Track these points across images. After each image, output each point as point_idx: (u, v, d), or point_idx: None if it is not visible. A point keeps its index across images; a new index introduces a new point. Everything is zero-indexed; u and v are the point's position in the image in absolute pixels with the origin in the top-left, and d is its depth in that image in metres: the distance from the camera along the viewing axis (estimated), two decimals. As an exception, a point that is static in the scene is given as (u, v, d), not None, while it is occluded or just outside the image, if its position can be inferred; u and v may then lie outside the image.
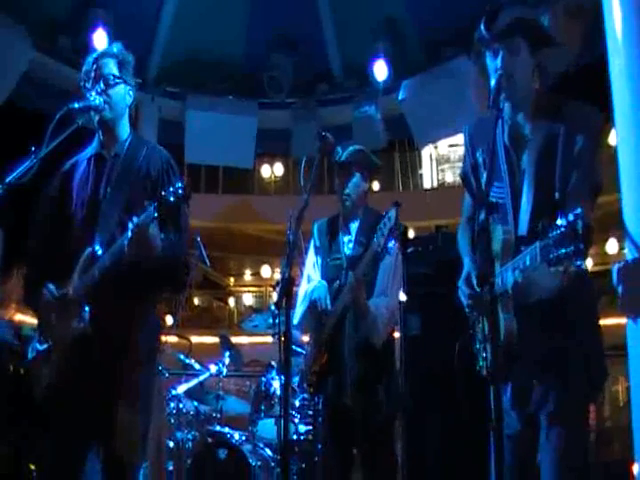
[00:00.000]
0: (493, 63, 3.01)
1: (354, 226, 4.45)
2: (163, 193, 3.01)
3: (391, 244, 4.01)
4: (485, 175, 3.04)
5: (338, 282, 4.30)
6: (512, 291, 2.80)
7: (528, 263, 2.67)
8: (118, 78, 3.47)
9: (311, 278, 4.55)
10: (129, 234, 3.06)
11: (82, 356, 3.21)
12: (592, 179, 2.93)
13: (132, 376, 3.28)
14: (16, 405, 4.92)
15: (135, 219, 3.04)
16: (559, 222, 2.45)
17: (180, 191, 3.00)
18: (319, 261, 4.53)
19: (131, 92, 3.57)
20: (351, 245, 4.40)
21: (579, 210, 2.42)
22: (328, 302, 4.30)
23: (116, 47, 3.58)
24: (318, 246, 4.57)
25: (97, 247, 3.27)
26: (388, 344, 4.33)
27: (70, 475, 3.27)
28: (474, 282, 3.01)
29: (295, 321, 4.46)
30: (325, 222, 4.61)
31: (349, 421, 4.24)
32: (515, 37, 2.98)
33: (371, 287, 4.28)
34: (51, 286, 3.33)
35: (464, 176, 3.32)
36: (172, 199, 2.99)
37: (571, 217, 2.41)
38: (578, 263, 2.45)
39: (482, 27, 3.00)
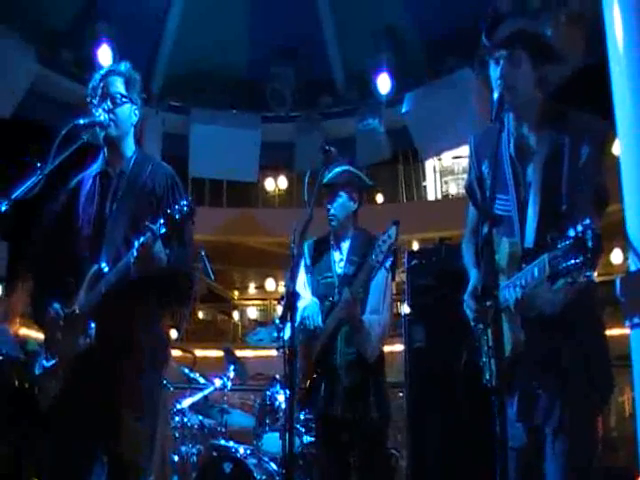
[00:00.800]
0: (495, 73, 3.02)
1: (345, 245, 4.47)
2: (169, 211, 3.03)
3: (388, 262, 4.02)
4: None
5: (330, 299, 4.34)
6: (514, 307, 2.80)
7: (537, 275, 2.67)
8: (125, 97, 3.49)
9: (302, 296, 4.55)
10: (134, 252, 3.08)
11: (87, 363, 3.22)
12: (599, 190, 2.92)
13: (136, 380, 3.29)
14: (16, 405, 4.93)
15: (141, 238, 3.06)
16: (568, 233, 2.45)
17: (185, 209, 3.03)
18: (309, 279, 4.55)
19: (137, 111, 3.60)
20: (342, 264, 4.43)
21: (588, 221, 2.42)
22: (319, 320, 4.33)
23: (124, 66, 3.60)
24: (308, 264, 4.58)
25: (103, 264, 3.29)
26: (379, 357, 4.37)
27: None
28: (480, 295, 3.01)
29: (286, 336, 4.49)
30: (315, 241, 4.62)
31: (341, 432, 4.27)
32: (516, 48, 2.98)
33: (363, 305, 4.30)
34: (57, 305, 3.34)
35: (469, 188, 3.31)
36: (177, 217, 3.02)
37: (580, 228, 2.41)
38: (587, 274, 2.45)
39: (483, 36, 3.01)
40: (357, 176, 4.54)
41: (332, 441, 4.33)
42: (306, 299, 4.48)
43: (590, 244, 2.39)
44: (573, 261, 2.43)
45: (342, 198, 4.43)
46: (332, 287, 4.37)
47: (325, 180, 4.35)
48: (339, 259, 4.46)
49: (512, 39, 2.98)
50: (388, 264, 4.05)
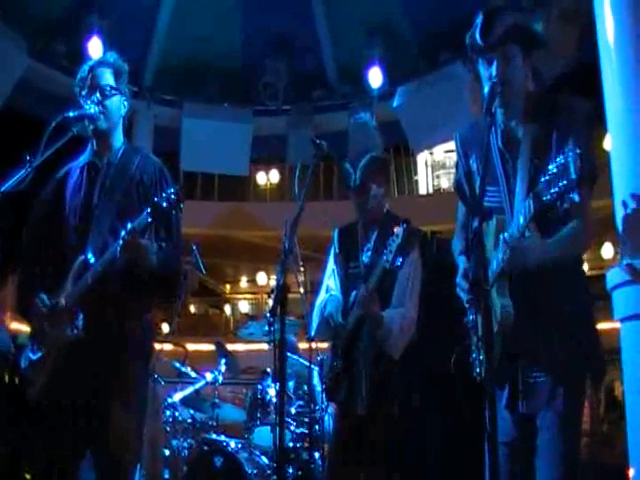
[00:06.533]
0: (487, 71, 3.00)
1: (374, 233, 4.38)
2: (156, 199, 3.03)
3: (398, 262, 3.99)
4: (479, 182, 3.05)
5: (356, 292, 4.24)
6: (506, 265, 2.77)
7: (522, 222, 2.69)
8: (114, 89, 3.48)
9: (329, 288, 4.50)
10: (120, 241, 3.08)
11: (75, 358, 3.21)
12: (588, 166, 2.90)
13: (125, 376, 3.30)
14: (16, 405, 4.92)
15: (128, 225, 3.06)
16: (557, 159, 2.44)
17: (173, 196, 3.03)
18: (338, 269, 4.48)
19: (126, 102, 3.59)
20: (369, 253, 4.33)
21: (578, 150, 2.40)
22: (339, 316, 4.28)
23: (112, 56, 3.60)
24: (337, 253, 4.51)
25: (89, 255, 3.28)
26: (406, 355, 4.26)
27: (64, 476, 3.26)
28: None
29: (312, 332, 4.48)
30: (345, 229, 4.55)
31: (359, 431, 4.20)
32: (509, 43, 2.97)
33: (388, 297, 4.24)
34: (43, 296, 3.33)
35: (457, 185, 3.30)
36: (165, 204, 3.02)
37: (565, 155, 2.40)
38: (571, 196, 2.41)
39: (477, 36, 2.99)
40: (377, 159, 4.46)
41: (348, 438, 4.27)
42: (327, 294, 4.46)
43: (573, 166, 2.36)
44: (557, 188, 2.42)
45: (373, 190, 4.36)
46: (360, 277, 4.27)
47: (358, 181, 4.31)
48: (366, 248, 4.36)
49: (506, 37, 2.96)
50: (399, 263, 4.02)
